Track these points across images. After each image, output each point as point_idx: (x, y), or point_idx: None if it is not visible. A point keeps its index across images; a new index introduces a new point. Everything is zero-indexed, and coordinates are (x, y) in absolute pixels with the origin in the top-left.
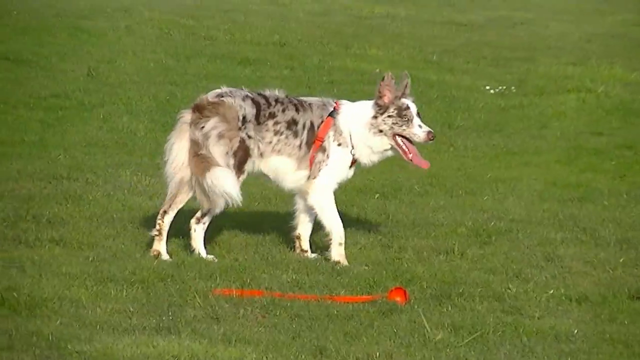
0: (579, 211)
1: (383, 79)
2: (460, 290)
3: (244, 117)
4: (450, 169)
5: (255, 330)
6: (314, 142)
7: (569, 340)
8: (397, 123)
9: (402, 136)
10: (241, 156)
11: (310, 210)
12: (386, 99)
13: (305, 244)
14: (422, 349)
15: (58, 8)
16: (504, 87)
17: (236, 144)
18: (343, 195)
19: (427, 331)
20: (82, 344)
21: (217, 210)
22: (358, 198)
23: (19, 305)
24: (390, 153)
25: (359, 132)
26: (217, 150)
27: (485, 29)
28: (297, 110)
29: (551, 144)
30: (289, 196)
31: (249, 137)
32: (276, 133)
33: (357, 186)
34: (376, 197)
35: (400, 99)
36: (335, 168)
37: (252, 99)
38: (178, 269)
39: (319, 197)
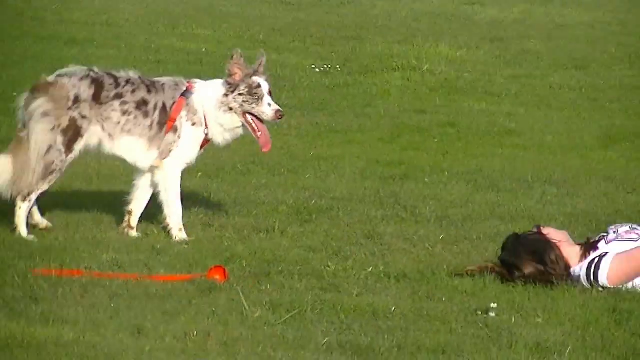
0: (400, 189)
1: (232, 57)
2: (280, 268)
3: (76, 97)
4: (273, 148)
5: (73, 309)
6: (166, 123)
7: (386, 317)
8: (247, 101)
9: (252, 114)
10: (71, 135)
11: (150, 188)
12: (237, 77)
13: (134, 221)
14: (240, 327)
15: None
16: (330, 66)
17: (65, 123)
18: None
19: (245, 309)
20: None
21: (42, 189)
22: (180, 177)
23: None
24: (241, 131)
25: (211, 111)
26: (39, 128)
27: (312, 8)
28: (148, 91)
29: (375, 122)
30: (111, 176)
31: (83, 116)
32: (124, 113)
33: None
34: (199, 175)
35: (251, 77)
36: (187, 149)
37: (93, 79)
38: None
39: (166, 178)
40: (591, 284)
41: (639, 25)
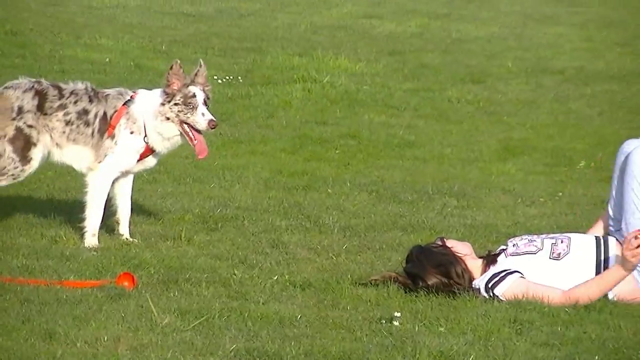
0: (303, 199)
1: (171, 67)
2: (187, 276)
3: (19, 108)
4: (178, 157)
5: None
6: (106, 130)
7: (292, 325)
8: (182, 111)
9: (188, 123)
10: (21, 144)
11: (127, 193)
12: (174, 87)
13: (123, 228)
14: (149, 333)
15: None
16: (232, 77)
17: (11, 132)
18: (73, 182)
19: (154, 315)
20: None
21: None
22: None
23: None
24: (180, 140)
25: (150, 120)
26: None
27: (214, 20)
28: (90, 100)
29: (277, 133)
30: (20, 183)
31: (30, 126)
32: (67, 123)
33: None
34: None
35: (187, 86)
36: (121, 155)
37: (38, 91)
38: None
39: (95, 181)
40: (489, 295)
41: (535, 39)
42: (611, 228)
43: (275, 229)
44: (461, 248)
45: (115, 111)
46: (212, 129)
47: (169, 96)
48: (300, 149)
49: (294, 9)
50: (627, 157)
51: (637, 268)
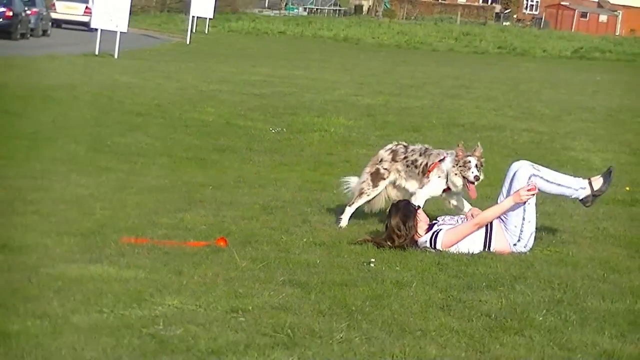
0: (320, 196)
1: (458, 145)
2: (256, 239)
3: (381, 158)
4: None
5: None
6: (426, 174)
7: (314, 266)
8: (462, 170)
9: (465, 177)
10: (376, 177)
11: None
12: (459, 157)
13: None
14: (234, 271)
15: None
16: (280, 129)
17: (373, 170)
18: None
19: (237, 261)
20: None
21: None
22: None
23: None
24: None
25: (450, 173)
26: (365, 171)
27: (270, 97)
28: (420, 155)
29: (305, 159)
30: None
31: (385, 168)
32: (407, 166)
33: None
34: None
35: (467, 157)
36: (431, 188)
37: (392, 150)
38: None
39: (416, 199)
40: (433, 248)
41: (448, 107)
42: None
43: (304, 213)
44: (423, 217)
45: (432, 164)
46: (475, 180)
47: (457, 161)
48: (319, 168)
49: (314, 91)
50: (515, 174)
51: (509, 240)
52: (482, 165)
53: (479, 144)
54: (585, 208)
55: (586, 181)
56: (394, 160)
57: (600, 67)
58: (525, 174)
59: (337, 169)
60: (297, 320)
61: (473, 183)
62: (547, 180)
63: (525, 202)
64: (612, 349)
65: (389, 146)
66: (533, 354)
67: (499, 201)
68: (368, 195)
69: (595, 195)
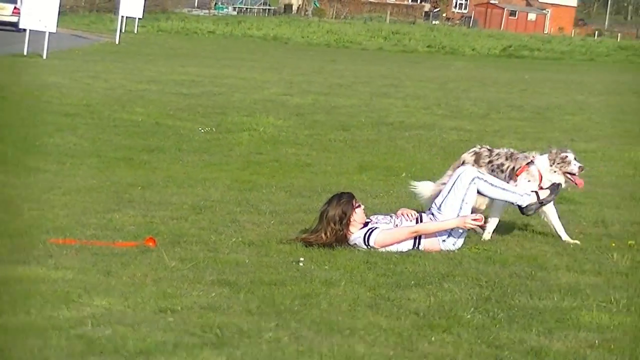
0: (249, 195)
1: (551, 152)
2: (185, 239)
3: (463, 161)
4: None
5: None
6: (513, 177)
7: (243, 266)
8: (562, 166)
9: (568, 172)
10: None
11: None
12: (553, 156)
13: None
14: (163, 271)
15: None
16: (210, 128)
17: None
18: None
19: (166, 261)
20: None
21: None
22: None
23: None
24: (564, 184)
25: (546, 173)
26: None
27: (199, 97)
28: (506, 159)
29: (234, 159)
30: None
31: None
32: (492, 171)
33: None
34: None
35: (561, 153)
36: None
37: (476, 152)
38: None
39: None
40: (365, 244)
41: (377, 106)
42: (431, 209)
43: (233, 212)
44: (360, 217)
45: (520, 167)
46: (581, 171)
47: (553, 160)
48: (248, 167)
49: (243, 91)
50: (459, 175)
51: (439, 236)
52: (577, 158)
53: (569, 146)
54: (524, 215)
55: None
56: (477, 163)
57: (528, 65)
58: (469, 177)
59: (266, 168)
60: (225, 319)
61: (575, 175)
62: (491, 184)
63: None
64: (539, 346)
65: (473, 149)
66: (461, 351)
67: (436, 202)
68: None
69: (541, 203)
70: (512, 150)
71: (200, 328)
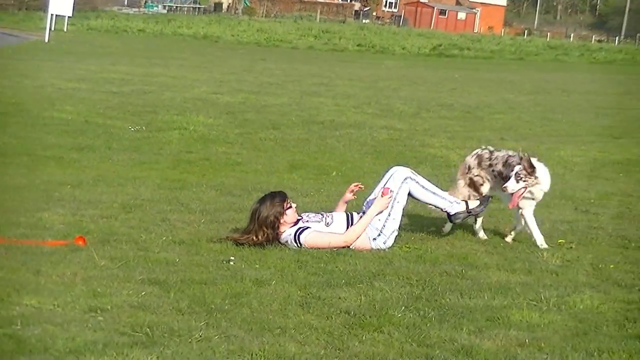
0: (180, 194)
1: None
2: (115, 238)
3: (469, 166)
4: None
5: None
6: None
7: (174, 265)
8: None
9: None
10: (474, 187)
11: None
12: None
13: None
14: (93, 270)
15: None
16: (140, 127)
17: (467, 181)
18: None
19: (96, 260)
20: None
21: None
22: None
23: None
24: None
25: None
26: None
27: (129, 96)
28: (503, 165)
29: (165, 157)
30: None
31: (475, 175)
32: (494, 177)
33: None
34: None
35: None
36: (525, 201)
37: (478, 155)
38: None
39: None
40: (295, 242)
41: (308, 105)
42: (364, 208)
43: (163, 211)
44: (291, 218)
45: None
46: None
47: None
48: (178, 166)
49: (174, 89)
50: (392, 174)
51: (369, 234)
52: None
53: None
54: (450, 223)
55: (462, 202)
56: (480, 166)
57: (458, 64)
58: (401, 176)
59: (196, 167)
60: (156, 319)
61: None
62: (423, 187)
63: (389, 206)
64: (470, 345)
65: (475, 151)
66: (392, 350)
67: (367, 200)
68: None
69: (469, 212)
70: (509, 153)
71: (131, 327)
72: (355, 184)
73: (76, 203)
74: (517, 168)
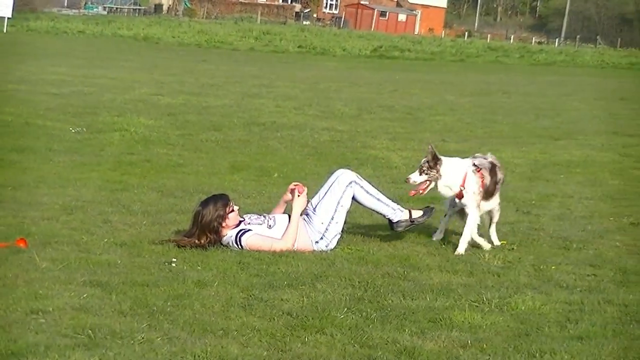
0: (121, 196)
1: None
2: (56, 240)
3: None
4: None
5: None
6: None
7: (115, 266)
8: None
9: None
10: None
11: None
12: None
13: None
14: (34, 272)
15: None
16: (80, 128)
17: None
18: None
19: (37, 262)
20: None
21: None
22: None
23: None
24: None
25: None
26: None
27: (69, 97)
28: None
29: (106, 159)
30: None
31: None
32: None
33: None
34: None
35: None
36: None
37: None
38: None
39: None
40: (237, 244)
41: (249, 107)
42: (306, 209)
43: (105, 213)
44: (233, 216)
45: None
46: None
47: None
48: (119, 168)
49: (114, 91)
50: (337, 177)
51: (312, 237)
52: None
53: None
54: (392, 231)
55: (406, 209)
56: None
57: (399, 66)
58: (346, 180)
59: (137, 168)
60: (98, 320)
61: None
62: (367, 192)
63: (332, 210)
64: (412, 346)
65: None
66: (334, 352)
67: (312, 202)
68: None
69: (412, 222)
70: (491, 160)
71: (73, 329)
72: (295, 183)
73: (17, 205)
74: (422, 160)
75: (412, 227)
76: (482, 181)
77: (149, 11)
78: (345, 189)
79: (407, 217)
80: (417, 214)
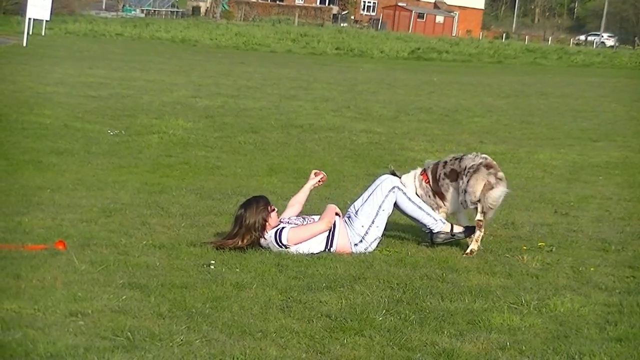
0: (159, 198)
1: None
2: (95, 242)
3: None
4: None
5: None
6: None
7: (154, 269)
8: None
9: None
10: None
11: None
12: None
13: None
14: (73, 274)
15: None
16: (119, 131)
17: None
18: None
19: (76, 264)
20: None
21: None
22: None
23: None
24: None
25: None
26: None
27: (108, 100)
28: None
29: (144, 161)
30: None
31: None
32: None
33: None
34: None
35: None
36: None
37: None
38: None
39: None
40: (278, 244)
41: (286, 109)
42: (348, 212)
43: (143, 215)
44: (274, 216)
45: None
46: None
47: None
48: (157, 170)
49: (152, 93)
50: (380, 182)
51: (351, 240)
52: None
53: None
54: (428, 242)
55: (448, 222)
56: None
57: (437, 68)
58: (389, 185)
59: (175, 171)
60: (136, 323)
61: None
62: (409, 199)
63: (374, 214)
64: (451, 348)
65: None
66: (373, 354)
67: (354, 205)
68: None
69: (452, 236)
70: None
71: (111, 331)
72: (316, 171)
73: (55, 207)
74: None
75: (451, 241)
76: (425, 181)
77: (186, 13)
78: (387, 193)
79: (448, 229)
80: (458, 229)
